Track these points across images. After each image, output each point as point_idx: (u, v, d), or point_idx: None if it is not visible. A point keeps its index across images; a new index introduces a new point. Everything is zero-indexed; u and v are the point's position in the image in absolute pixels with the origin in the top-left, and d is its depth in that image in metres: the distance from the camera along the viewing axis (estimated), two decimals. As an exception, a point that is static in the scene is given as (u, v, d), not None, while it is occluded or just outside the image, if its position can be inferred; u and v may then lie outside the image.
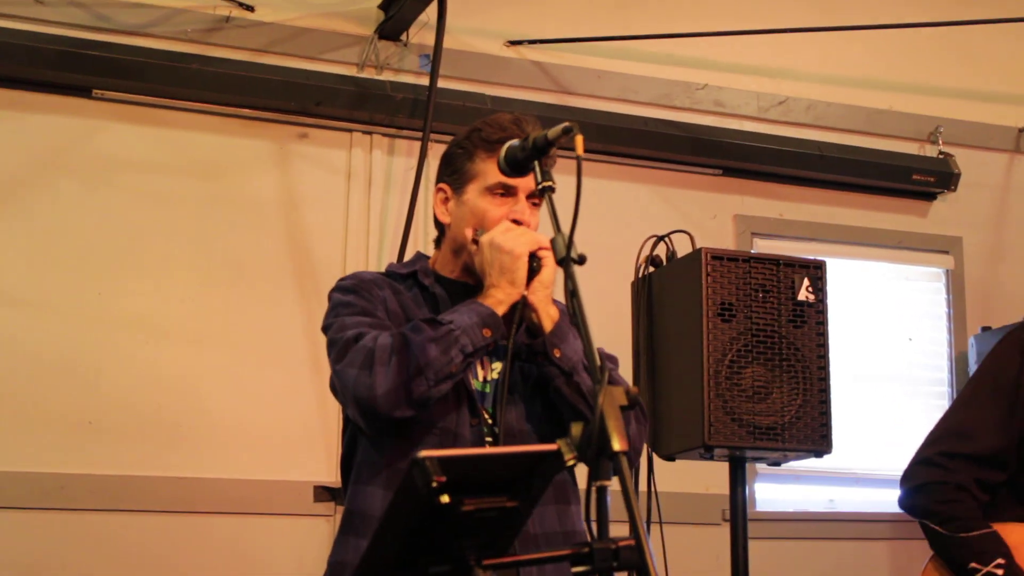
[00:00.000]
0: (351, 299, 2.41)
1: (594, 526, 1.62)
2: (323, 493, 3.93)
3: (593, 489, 1.61)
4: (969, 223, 4.98)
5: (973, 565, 2.95)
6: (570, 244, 1.90)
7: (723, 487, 3.10)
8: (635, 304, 3.20)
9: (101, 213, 3.89)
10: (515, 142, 2.10)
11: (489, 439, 2.33)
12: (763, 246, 4.63)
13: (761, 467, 4.22)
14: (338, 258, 4.09)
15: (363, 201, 4.16)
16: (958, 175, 4.87)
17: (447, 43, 4.17)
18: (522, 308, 2.32)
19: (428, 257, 2.59)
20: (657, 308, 3.13)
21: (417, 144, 4.13)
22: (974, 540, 2.98)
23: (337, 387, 2.40)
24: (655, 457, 3.14)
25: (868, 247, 4.83)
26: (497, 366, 2.40)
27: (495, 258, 2.31)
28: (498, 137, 2.31)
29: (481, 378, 2.40)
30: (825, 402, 2.92)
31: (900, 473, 3.11)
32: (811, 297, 2.95)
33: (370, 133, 4.21)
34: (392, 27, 4.20)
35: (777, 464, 3.09)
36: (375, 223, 4.16)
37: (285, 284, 4.03)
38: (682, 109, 4.62)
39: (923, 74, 5.00)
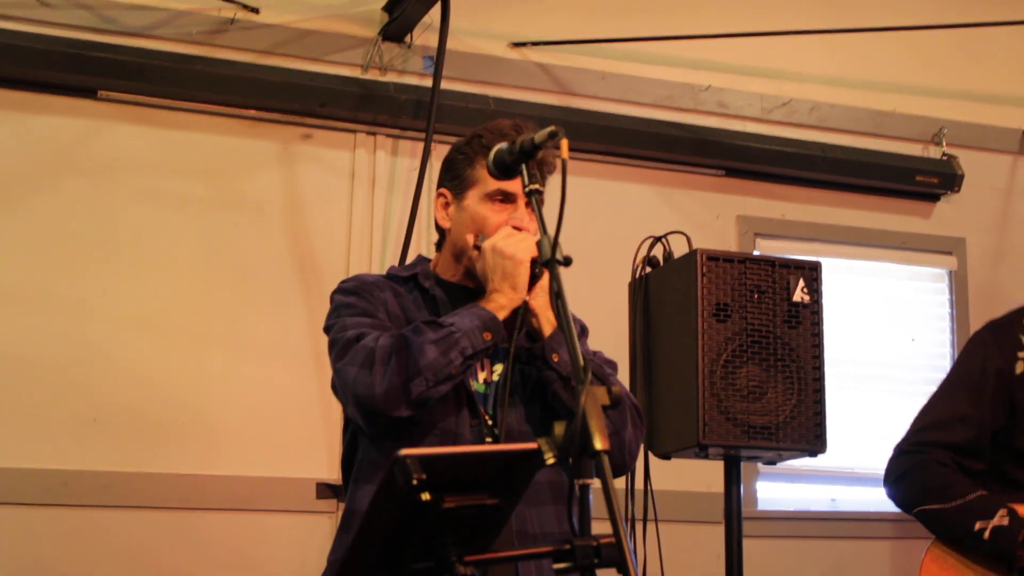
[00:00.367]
0: (353, 300, 2.44)
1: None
2: (325, 490, 3.94)
3: (576, 487, 1.64)
4: (972, 224, 4.97)
5: (979, 525, 2.97)
6: (555, 246, 1.91)
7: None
8: (632, 304, 3.22)
9: (106, 213, 3.91)
10: (503, 145, 2.12)
11: (489, 440, 2.35)
12: (766, 247, 4.63)
13: (763, 466, 4.23)
14: (341, 258, 4.11)
15: (367, 202, 4.18)
16: (962, 176, 4.86)
17: (451, 45, 4.18)
18: (523, 312, 2.34)
19: (429, 260, 2.61)
20: (653, 308, 3.14)
21: (420, 145, 4.14)
22: (973, 502, 3.03)
23: (337, 386, 2.43)
24: (652, 456, 3.16)
25: (871, 248, 4.82)
26: (498, 368, 2.43)
27: (497, 263, 2.34)
28: (498, 143, 2.33)
29: (481, 380, 2.42)
30: (820, 402, 2.93)
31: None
32: (806, 298, 2.96)
33: (374, 134, 4.22)
34: (396, 29, 4.21)
35: (772, 463, 3.11)
36: (378, 224, 4.18)
37: (288, 283, 4.05)
38: (686, 111, 4.62)
39: (927, 76, 4.99)
